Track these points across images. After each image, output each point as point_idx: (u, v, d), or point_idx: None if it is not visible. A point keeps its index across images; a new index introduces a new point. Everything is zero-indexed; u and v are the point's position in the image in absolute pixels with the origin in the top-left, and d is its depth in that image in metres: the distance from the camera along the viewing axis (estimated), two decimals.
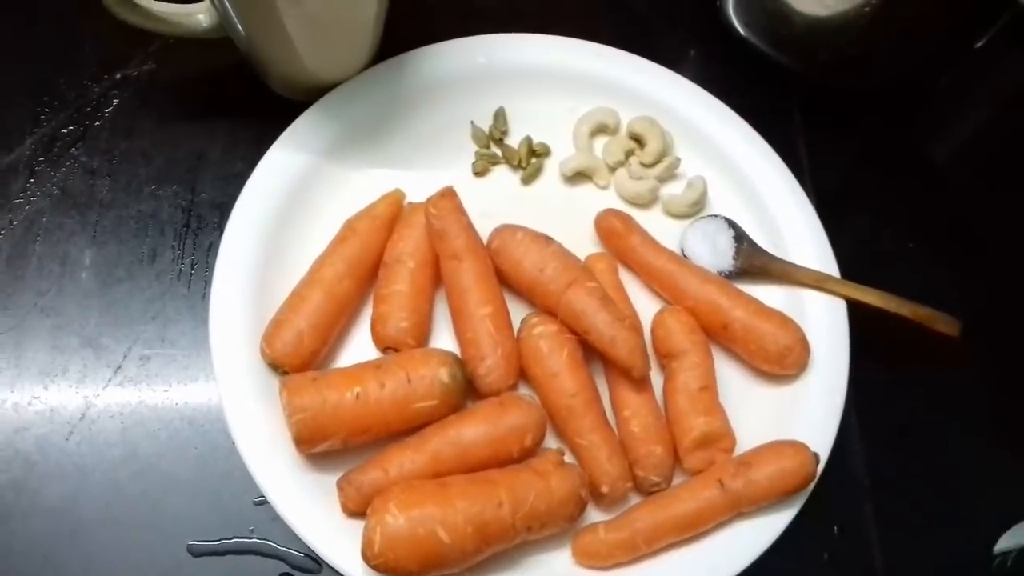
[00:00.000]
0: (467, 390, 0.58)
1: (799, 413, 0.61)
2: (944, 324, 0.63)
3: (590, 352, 0.60)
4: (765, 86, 0.75)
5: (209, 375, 0.61)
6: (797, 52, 0.73)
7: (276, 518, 0.56)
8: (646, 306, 0.64)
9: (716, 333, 0.63)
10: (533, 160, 0.70)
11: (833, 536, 0.61)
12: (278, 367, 0.58)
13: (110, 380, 0.61)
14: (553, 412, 0.58)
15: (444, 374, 0.56)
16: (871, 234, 0.73)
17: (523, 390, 0.60)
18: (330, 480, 0.56)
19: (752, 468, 0.57)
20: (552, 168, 0.70)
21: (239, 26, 0.61)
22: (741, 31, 0.75)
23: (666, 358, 0.62)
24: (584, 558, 0.56)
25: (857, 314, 0.64)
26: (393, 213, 0.64)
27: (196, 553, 0.57)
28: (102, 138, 0.69)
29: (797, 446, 0.58)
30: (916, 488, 0.64)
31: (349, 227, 0.63)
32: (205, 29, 0.65)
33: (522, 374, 0.60)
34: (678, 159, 0.69)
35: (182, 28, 0.65)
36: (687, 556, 0.57)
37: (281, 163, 0.65)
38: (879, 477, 0.63)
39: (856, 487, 0.63)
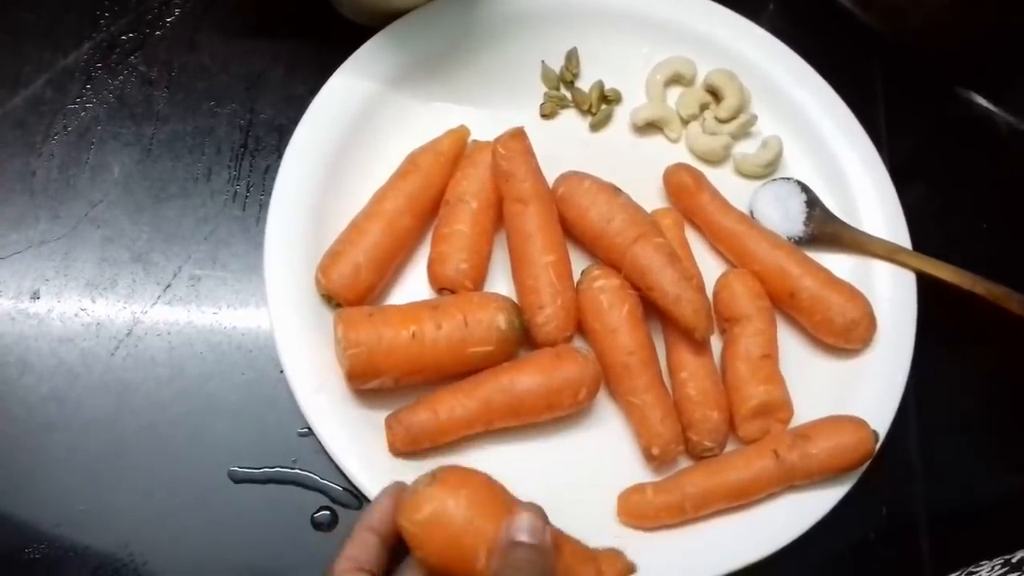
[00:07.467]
0: (523, 338, 0.57)
1: (859, 389, 0.60)
2: (1018, 304, 0.61)
3: (649, 309, 0.59)
4: (846, 48, 0.72)
5: (260, 301, 0.60)
6: (888, 14, 0.69)
7: (320, 451, 0.55)
8: (710, 267, 0.62)
9: (781, 300, 0.61)
10: (603, 106, 0.67)
11: (881, 517, 0.60)
12: (332, 299, 0.57)
13: (159, 298, 0.60)
14: (608, 368, 0.57)
15: (502, 320, 0.55)
16: (944, 209, 0.70)
17: (578, 343, 0.59)
18: (377, 417, 0.55)
19: (809, 441, 0.55)
20: (622, 116, 0.67)
21: None
22: None
23: (728, 322, 0.60)
24: (630, 518, 0.56)
25: (924, 290, 0.62)
26: (457, 150, 0.62)
27: (237, 479, 0.56)
28: (162, 48, 0.66)
29: (857, 422, 0.56)
30: (970, 476, 0.62)
31: (412, 161, 0.61)
32: None
33: (579, 327, 0.59)
34: (754, 116, 0.67)
35: None
36: (733, 524, 0.56)
37: (344, 89, 0.62)
38: (933, 461, 0.62)
39: (908, 470, 0.61)
